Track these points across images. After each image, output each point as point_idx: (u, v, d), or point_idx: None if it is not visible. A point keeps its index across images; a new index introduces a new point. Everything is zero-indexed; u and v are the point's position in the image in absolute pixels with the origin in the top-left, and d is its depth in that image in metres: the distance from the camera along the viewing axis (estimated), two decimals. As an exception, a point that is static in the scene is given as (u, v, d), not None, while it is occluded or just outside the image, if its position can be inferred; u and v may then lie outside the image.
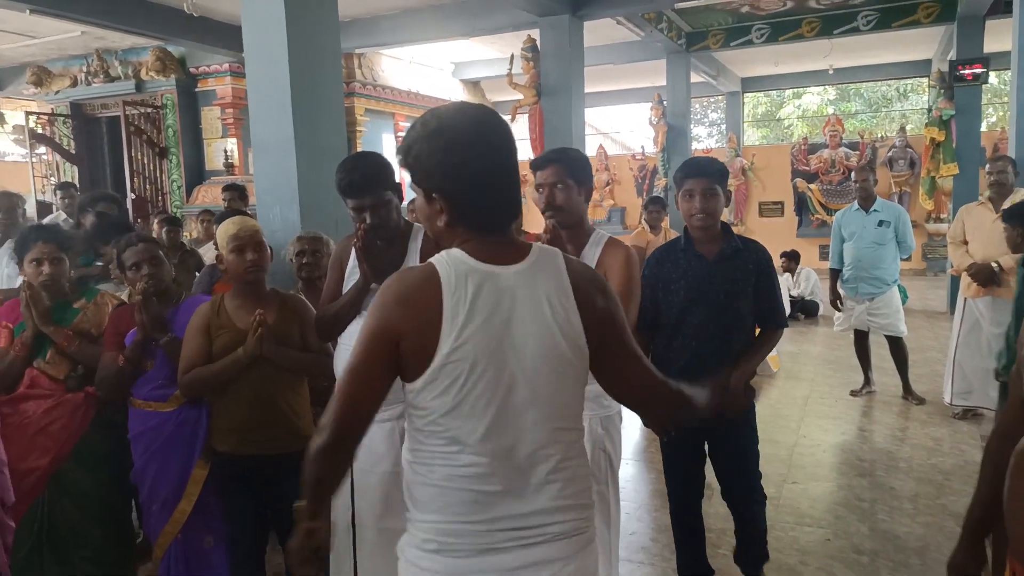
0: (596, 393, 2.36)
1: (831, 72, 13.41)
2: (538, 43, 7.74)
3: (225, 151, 9.04)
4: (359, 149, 9.13)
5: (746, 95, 15.52)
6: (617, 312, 1.44)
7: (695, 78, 11.62)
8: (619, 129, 21.32)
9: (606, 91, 14.34)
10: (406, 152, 1.36)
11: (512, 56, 8.07)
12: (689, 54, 10.54)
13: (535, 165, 2.40)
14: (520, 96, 8.04)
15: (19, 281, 3.71)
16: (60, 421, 2.64)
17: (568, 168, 2.35)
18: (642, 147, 15.27)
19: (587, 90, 7.97)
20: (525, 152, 14.20)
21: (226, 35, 8.11)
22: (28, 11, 6.46)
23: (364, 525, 2.38)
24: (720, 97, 16.64)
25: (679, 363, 2.59)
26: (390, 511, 2.36)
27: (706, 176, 2.55)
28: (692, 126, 13.10)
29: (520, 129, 14.43)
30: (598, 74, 11.17)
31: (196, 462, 2.61)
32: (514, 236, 1.40)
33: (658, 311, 2.67)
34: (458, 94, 12.21)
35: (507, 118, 10.90)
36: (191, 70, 9.10)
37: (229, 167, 8.96)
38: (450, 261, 1.33)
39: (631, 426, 5.44)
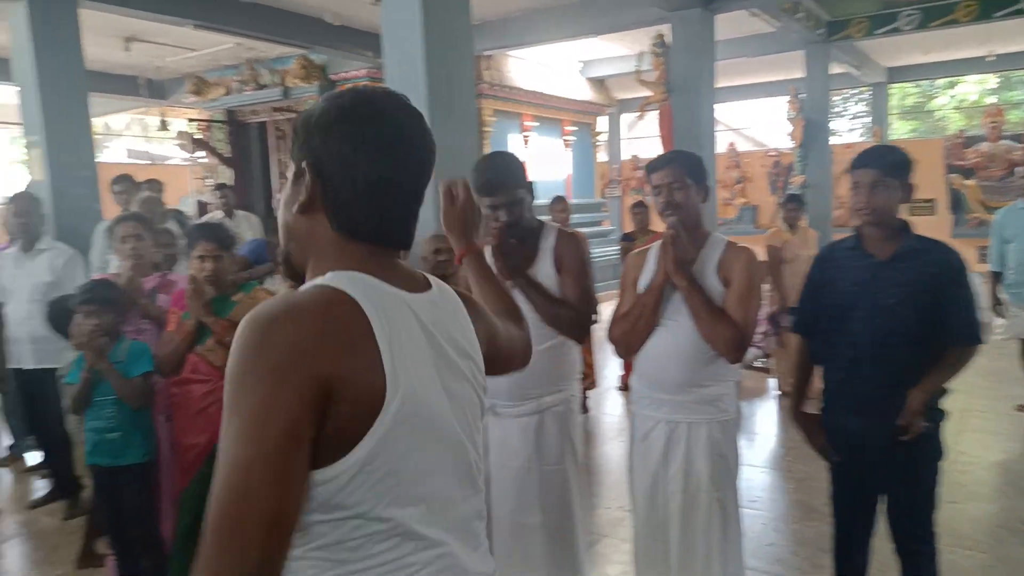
0: (712, 396, 2.30)
1: (991, 59, 12.30)
2: (668, 39, 7.58)
3: (362, 153, 9.46)
4: (487, 150, 9.29)
5: (892, 86, 14.50)
6: (494, 328, 1.26)
7: (835, 69, 11.00)
8: (751, 125, 20.53)
9: (738, 85, 13.84)
10: (300, 115, 1.05)
11: (641, 53, 7.95)
12: (829, 44, 9.97)
13: (651, 168, 2.38)
14: (648, 93, 7.91)
15: (112, 265, 4.06)
16: (216, 404, 2.85)
17: (685, 168, 2.33)
18: (776, 144, 14.63)
19: (718, 85, 7.72)
20: (654, 149, 13.92)
21: (364, 42, 8.49)
22: (192, 26, 7.03)
23: (499, 518, 2.42)
24: (863, 89, 15.66)
25: (837, 375, 2.39)
26: (523, 505, 2.40)
27: (874, 167, 2.27)
28: (832, 120, 12.39)
29: (648, 126, 14.22)
30: (730, 68, 10.80)
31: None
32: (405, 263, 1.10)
33: (817, 313, 2.46)
34: (585, 93, 12.17)
35: (635, 115, 10.79)
36: (331, 77, 9.58)
37: (365, 169, 9.38)
38: (352, 282, 0.96)
39: (765, 434, 5.24)
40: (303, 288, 0.96)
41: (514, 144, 10.73)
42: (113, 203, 5.28)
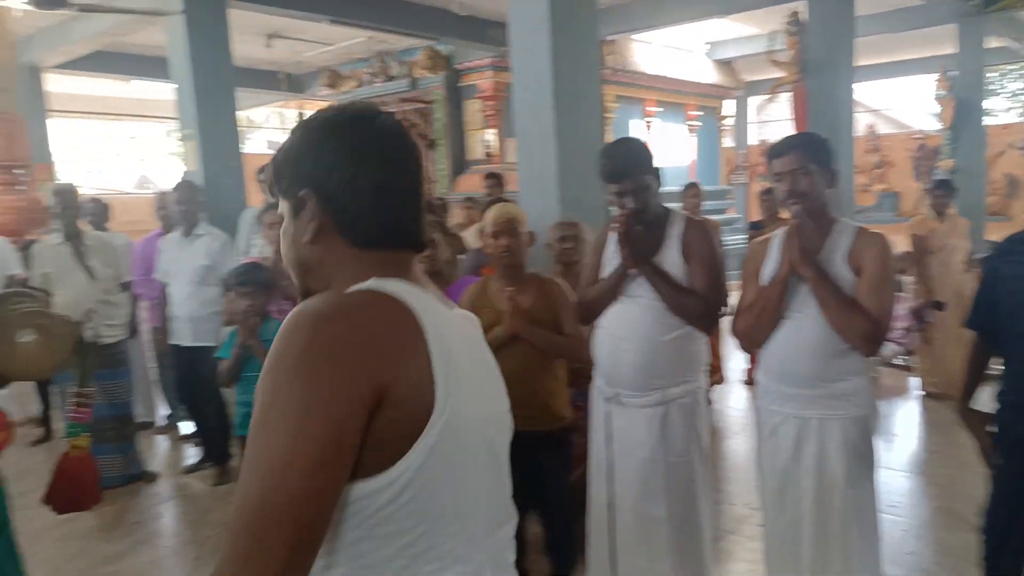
0: (845, 392, 2.18)
1: None
2: (803, 16, 7.21)
3: (485, 141, 9.61)
4: (608, 137, 9.20)
5: (1060, 59, 13.14)
6: None
7: (991, 43, 10.08)
8: (892, 105, 19.19)
9: (878, 64, 12.97)
10: (276, 155, 1.03)
11: (773, 32, 7.61)
12: (985, 16, 9.14)
13: (773, 153, 2.26)
14: (780, 74, 7.57)
15: (254, 249, 4.28)
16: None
17: (810, 152, 2.19)
18: (921, 126, 13.62)
19: (857, 64, 7.27)
20: (784, 133, 13.48)
21: (489, 31, 8.61)
22: (328, 21, 7.37)
23: (623, 508, 2.42)
24: (1023, 64, 14.28)
25: (1015, 375, 2.19)
26: (647, 496, 2.38)
27: None
28: (986, 99, 11.38)
29: (779, 110, 13.66)
30: (871, 45, 10.13)
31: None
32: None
33: (993, 311, 2.27)
34: (710, 75, 11.80)
35: (765, 98, 10.35)
36: (457, 67, 9.77)
37: (488, 156, 9.52)
38: (398, 286, 0.92)
39: (906, 436, 4.94)
40: (347, 291, 0.91)
41: (636, 130, 10.56)
42: (258, 191, 5.64)
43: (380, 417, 0.81)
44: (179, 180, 4.84)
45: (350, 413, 0.79)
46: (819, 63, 6.86)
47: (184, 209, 4.38)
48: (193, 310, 4.27)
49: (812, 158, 2.19)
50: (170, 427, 5.33)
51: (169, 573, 3.33)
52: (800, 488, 2.25)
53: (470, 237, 4.65)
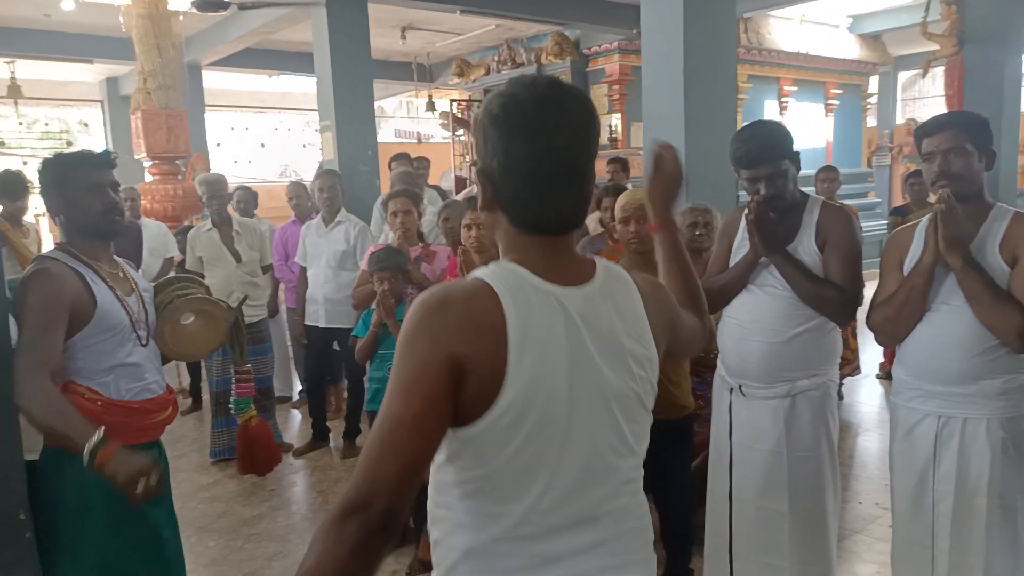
0: (995, 390, 2.01)
1: None
2: (964, -18, 6.61)
3: (610, 126, 9.51)
4: (740, 119, 8.86)
5: None
6: (677, 317, 1.30)
7: None
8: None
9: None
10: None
11: (929, 1, 7.04)
12: None
13: (923, 131, 2.09)
14: (935, 47, 6.99)
15: (385, 236, 4.37)
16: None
17: (966, 131, 2.02)
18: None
19: (1027, 33, 6.59)
20: (936, 110, 12.41)
21: (618, 14, 8.49)
22: (459, 11, 7.53)
23: (743, 500, 2.36)
24: None
25: None
26: (769, 490, 2.31)
27: None
28: None
29: (929, 86, 12.60)
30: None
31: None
32: (576, 251, 1.17)
33: None
34: (853, 51, 11.08)
35: (918, 72, 9.57)
36: (584, 51, 9.71)
37: (613, 141, 9.41)
38: (504, 277, 1.07)
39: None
40: (468, 276, 1.11)
41: (770, 111, 10.10)
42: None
43: (462, 385, 1.01)
44: (322, 169, 5.08)
45: (438, 379, 1.00)
46: (981, 33, 6.27)
47: (327, 197, 4.58)
48: (329, 292, 4.49)
49: (968, 137, 2.02)
50: (304, 401, 5.66)
51: (301, 537, 3.56)
52: (937, 492, 2.10)
53: (590, 223, 4.63)
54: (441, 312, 1.03)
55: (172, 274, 4.33)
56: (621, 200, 2.65)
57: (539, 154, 1.06)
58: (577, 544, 1.10)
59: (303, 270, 4.72)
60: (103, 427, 1.76)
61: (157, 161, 6.82)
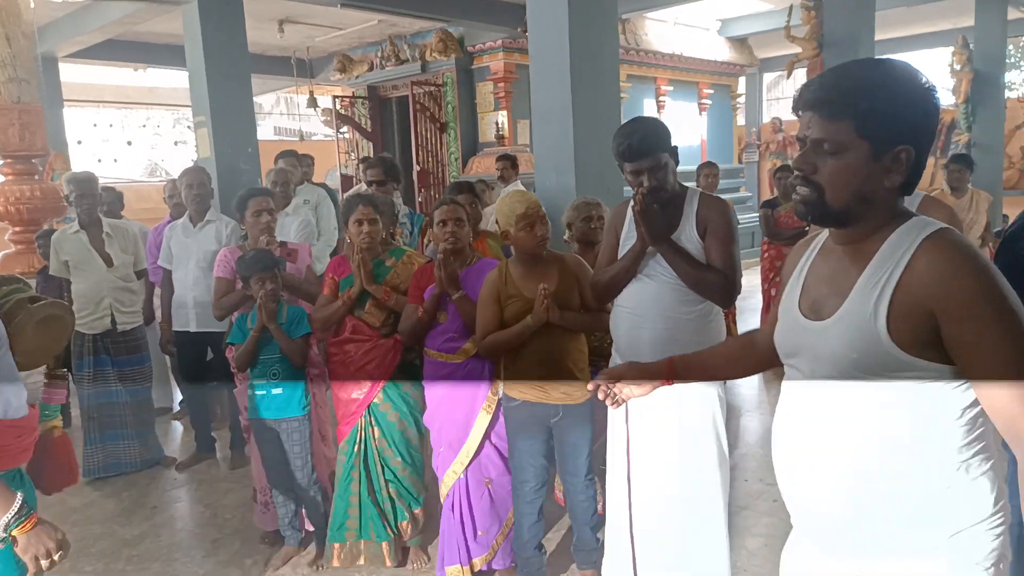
0: None
1: None
2: (820, -10, 7.11)
3: (497, 123, 9.57)
4: (621, 116, 9.15)
5: (1081, 30, 12.87)
6: None
7: (1013, 14, 9.91)
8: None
9: (896, 38, 12.77)
10: (893, 102, 1.18)
11: (791, 7, 7.52)
12: (1006, -14, 8.99)
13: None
14: (797, 50, 7.48)
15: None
16: (375, 361, 3.06)
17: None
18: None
19: (876, 38, 7.17)
20: (789, 111, 13.24)
21: (502, 13, 8.55)
22: (339, 5, 7.34)
23: (640, 482, 2.45)
24: (1044, 35, 14.00)
25: None
26: (664, 470, 2.41)
27: None
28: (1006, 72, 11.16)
29: (792, 87, 13.45)
30: (887, 19, 9.97)
31: (479, 410, 2.86)
32: None
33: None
34: (723, 53, 11.66)
35: (782, 73, 10.19)
36: (468, 49, 9.72)
37: (500, 138, 9.48)
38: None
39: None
40: (947, 234, 1.18)
41: (649, 109, 10.48)
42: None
43: None
44: (188, 166, 4.83)
45: None
46: (839, 37, 6.77)
47: (196, 194, 4.34)
48: (200, 295, 4.22)
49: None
50: (185, 412, 5.39)
51: (188, 555, 3.38)
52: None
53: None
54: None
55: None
56: (519, 207, 2.62)
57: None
58: None
59: (167, 273, 4.41)
60: (21, 495, 1.63)
61: (10, 160, 6.26)
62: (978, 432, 1.20)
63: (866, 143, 1.19)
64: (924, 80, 1.19)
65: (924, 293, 1.14)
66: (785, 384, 1.38)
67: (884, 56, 1.21)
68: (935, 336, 1.15)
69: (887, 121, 1.18)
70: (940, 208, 2.32)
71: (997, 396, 1.14)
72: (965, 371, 1.16)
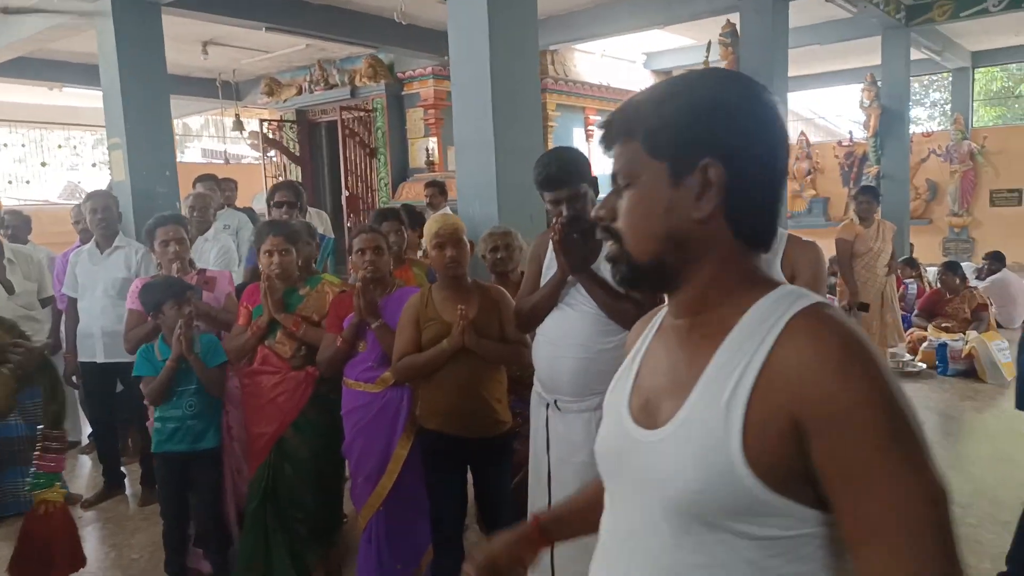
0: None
1: (1088, 39, 11.59)
2: (738, 28, 7.41)
3: (427, 149, 9.58)
4: (550, 144, 9.28)
5: (977, 70, 13.80)
6: None
7: (915, 55, 10.55)
8: (822, 115, 19.89)
9: (809, 74, 13.42)
10: (644, 102, 0.90)
11: (709, 43, 7.81)
12: (909, 29, 9.56)
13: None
14: (716, 84, 7.76)
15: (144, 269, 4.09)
16: (285, 394, 2.95)
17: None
18: (850, 132, 14.14)
19: (790, 74, 7.51)
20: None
21: (430, 40, 8.60)
22: (264, 29, 7.26)
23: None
24: (944, 74, 14.97)
25: None
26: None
27: None
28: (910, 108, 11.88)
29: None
30: (801, 56, 10.48)
31: (398, 441, 2.81)
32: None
33: None
34: (648, 85, 12.01)
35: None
36: (398, 75, 9.73)
37: (430, 164, 9.49)
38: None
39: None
40: (826, 312, 0.83)
41: (578, 139, 10.67)
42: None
43: None
44: (94, 190, 4.62)
45: None
46: (754, 73, 7.02)
47: (101, 218, 4.13)
48: (108, 325, 4.01)
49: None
50: (92, 447, 5.13)
51: (94, 598, 3.20)
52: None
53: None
54: (881, 369, 0.78)
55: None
56: (435, 226, 2.65)
57: (785, 158, 0.92)
58: None
59: (72, 302, 4.19)
60: None
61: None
62: None
63: (659, 163, 0.87)
64: (745, 87, 0.88)
65: (788, 395, 0.78)
66: (603, 518, 0.99)
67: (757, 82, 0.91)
68: (806, 464, 0.79)
69: (682, 130, 0.86)
70: (805, 250, 2.27)
71: (872, 560, 0.77)
72: (839, 517, 0.80)
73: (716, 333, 0.86)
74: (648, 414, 0.91)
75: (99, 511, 4.14)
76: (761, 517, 0.80)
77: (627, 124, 0.91)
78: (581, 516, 1.21)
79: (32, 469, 1.99)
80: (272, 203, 4.04)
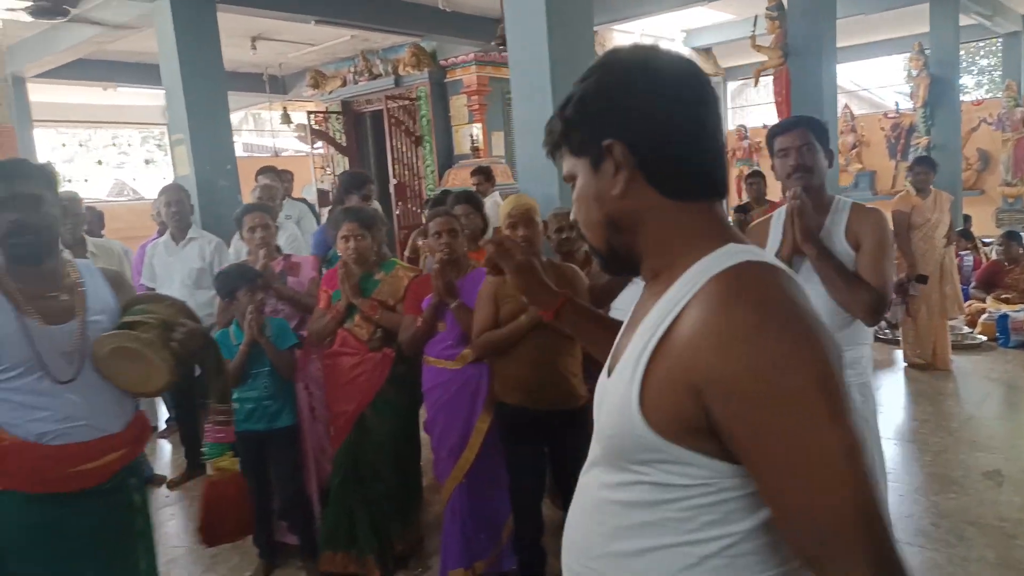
0: (851, 360, 2.24)
1: None
2: (784, 1, 7.33)
3: (471, 136, 9.67)
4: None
5: (1030, 35, 13.37)
6: None
7: (964, 21, 10.28)
8: (866, 86, 19.44)
9: (854, 45, 13.14)
10: (564, 109, 0.99)
11: (756, 17, 7.73)
12: (958, -7, 9.34)
13: (776, 131, 2.35)
14: (763, 59, 7.69)
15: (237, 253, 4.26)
16: (364, 375, 3.09)
17: (814, 130, 2.30)
18: (896, 104, 13.84)
19: (836, 45, 7.41)
20: (770, 117, 13.29)
21: (475, 27, 8.67)
22: (313, 22, 7.39)
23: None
24: (994, 40, 14.53)
25: None
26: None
27: None
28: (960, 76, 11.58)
29: (756, 95, 13.74)
30: (847, 27, 10.28)
31: (479, 415, 2.92)
32: None
33: None
34: (691, 63, 11.91)
35: (746, 82, 10.41)
36: (441, 63, 9.81)
37: (475, 150, 9.58)
38: (760, 255, 0.90)
39: (894, 405, 5.08)
40: (745, 274, 0.86)
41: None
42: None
43: None
44: (167, 184, 4.82)
45: None
46: (802, 46, 6.98)
47: (175, 212, 4.33)
48: None
49: (816, 136, 2.29)
50: (172, 430, 5.36)
51: (187, 571, 3.39)
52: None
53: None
54: (804, 314, 0.82)
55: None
56: (507, 206, 2.74)
57: (707, 112, 0.96)
58: None
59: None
60: None
61: (-17, 182, 6.19)
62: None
63: (583, 160, 0.97)
64: (628, 61, 0.97)
65: (683, 359, 0.83)
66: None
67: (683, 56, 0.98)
68: (709, 421, 0.82)
69: (584, 125, 0.96)
70: (867, 216, 2.25)
71: (786, 507, 0.80)
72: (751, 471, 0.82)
73: (660, 292, 0.92)
74: (611, 365, 1.00)
75: (184, 491, 4.35)
76: (666, 464, 0.87)
77: (553, 137, 1.01)
78: (592, 329, 1.40)
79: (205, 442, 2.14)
80: (359, 193, 4.22)
